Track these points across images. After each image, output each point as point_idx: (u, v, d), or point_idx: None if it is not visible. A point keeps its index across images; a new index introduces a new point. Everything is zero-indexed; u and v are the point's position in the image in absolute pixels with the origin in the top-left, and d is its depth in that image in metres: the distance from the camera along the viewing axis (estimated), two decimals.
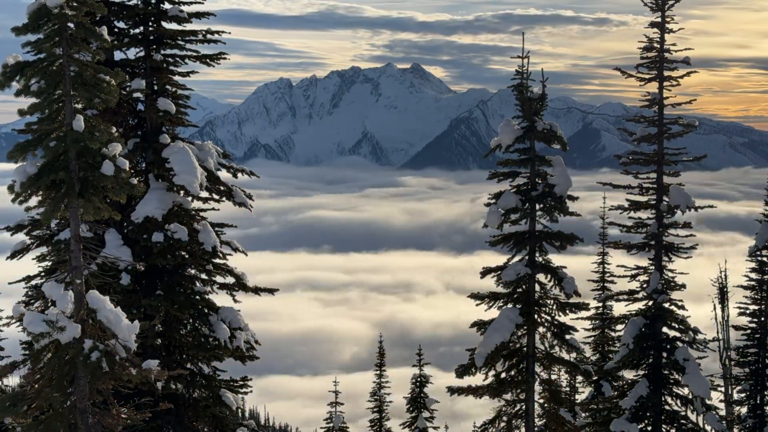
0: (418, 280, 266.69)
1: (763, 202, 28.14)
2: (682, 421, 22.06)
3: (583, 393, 31.87)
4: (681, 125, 22.01)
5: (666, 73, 21.77)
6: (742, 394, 27.71)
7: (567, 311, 18.92)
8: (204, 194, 18.21)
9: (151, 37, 18.32)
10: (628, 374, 24.12)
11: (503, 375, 19.16)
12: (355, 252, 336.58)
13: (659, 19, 21.63)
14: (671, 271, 22.13)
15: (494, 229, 18.63)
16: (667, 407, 22.22)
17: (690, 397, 21.49)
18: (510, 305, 18.87)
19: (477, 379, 18.93)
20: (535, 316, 18.86)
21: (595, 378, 27.43)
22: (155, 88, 18.35)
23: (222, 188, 18.47)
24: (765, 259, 27.38)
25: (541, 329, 19.09)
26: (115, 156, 11.77)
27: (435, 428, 33.03)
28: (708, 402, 21.36)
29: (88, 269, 12.40)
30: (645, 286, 22.14)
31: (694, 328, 21.78)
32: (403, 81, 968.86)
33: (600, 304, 32.00)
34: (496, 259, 18.96)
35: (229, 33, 18.47)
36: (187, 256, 17.54)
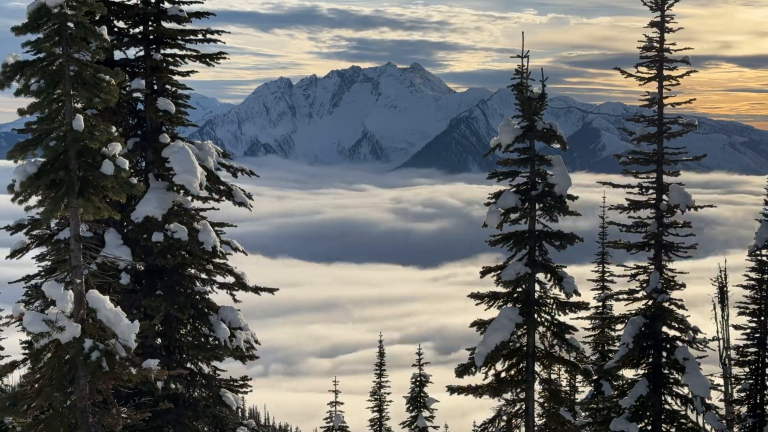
0: None
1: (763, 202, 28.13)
2: (682, 421, 22.06)
3: (583, 392, 31.89)
4: (681, 124, 22.01)
5: (666, 73, 21.77)
6: (742, 394, 27.69)
7: (567, 311, 18.92)
8: (204, 194, 18.19)
9: (151, 37, 18.31)
10: (628, 373, 24.13)
11: (503, 374, 19.17)
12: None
13: (659, 19, 21.62)
14: (671, 270, 22.13)
15: (494, 229, 18.63)
16: (666, 406, 22.21)
17: (690, 396, 21.48)
18: (510, 305, 18.87)
19: (477, 379, 18.94)
20: (535, 315, 18.87)
21: (594, 377, 27.45)
22: (155, 87, 18.34)
23: (222, 188, 18.47)
24: (765, 258, 27.37)
25: (540, 329, 19.09)
26: (115, 155, 11.77)
27: (435, 428, 33.05)
28: (708, 401, 21.34)
29: (88, 269, 12.40)
30: (645, 285, 22.14)
31: (694, 328, 21.78)
32: (403, 80, 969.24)
33: (600, 304, 32.01)
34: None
35: (230, 32, 18.48)
36: (187, 256, 17.52)
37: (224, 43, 18.44)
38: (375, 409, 34.79)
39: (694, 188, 22.17)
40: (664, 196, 21.88)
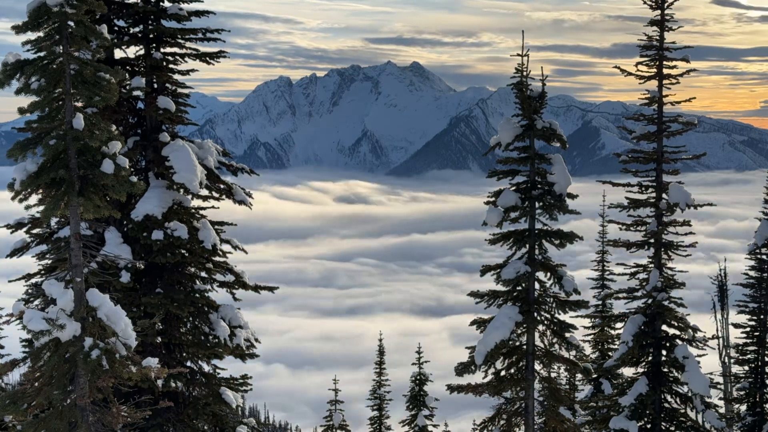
0: None
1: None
2: (682, 419, 22.07)
3: (583, 391, 31.94)
4: (680, 123, 22.01)
5: (665, 71, 21.76)
6: (742, 392, 27.72)
7: (566, 309, 18.93)
8: (204, 192, 18.21)
9: (151, 36, 18.30)
10: (628, 372, 24.12)
11: (503, 373, 19.19)
12: None
13: (659, 17, 21.62)
14: (670, 269, 22.14)
15: (494, 227, 18.64)
16: (666, 405, 22.22)
17: (689, 394, 21.50)
18: (509, 303, 18.89)
19: (477, 377, 18.97)
20: (535, 314, 18.88)
21: (594, 376, 27.52)
22: (155, 86, 18.34)
23: (222, 186, 18.48)
24: (764, 257, 27.39)
25: (540, 327, 19.11)
26: (115, 154, 11.79)
27: (434, 426, 33.03)
28: (707, 400, 21.35)
29: (88, 267, 12.42)
30: (644, 284, 22.15)
31: (694, 326, 21.79)
32: (402, 79, 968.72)
33: (599, 302, 32.05)
34: None
35: (229, 31, 18.48)
36: (186, 254, 17.54)
37: (224, 41, 18.47)
38: (375, 407, 34.78)
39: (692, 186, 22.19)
40: (664, 195, 21.88)
